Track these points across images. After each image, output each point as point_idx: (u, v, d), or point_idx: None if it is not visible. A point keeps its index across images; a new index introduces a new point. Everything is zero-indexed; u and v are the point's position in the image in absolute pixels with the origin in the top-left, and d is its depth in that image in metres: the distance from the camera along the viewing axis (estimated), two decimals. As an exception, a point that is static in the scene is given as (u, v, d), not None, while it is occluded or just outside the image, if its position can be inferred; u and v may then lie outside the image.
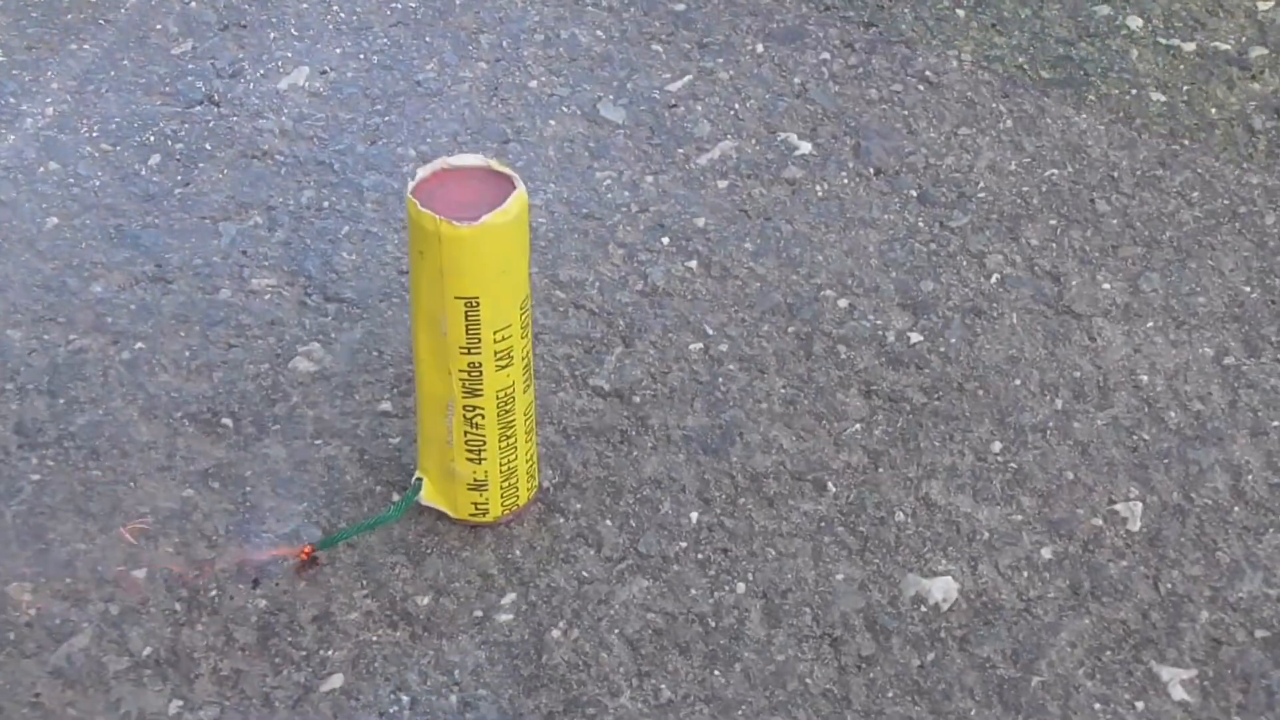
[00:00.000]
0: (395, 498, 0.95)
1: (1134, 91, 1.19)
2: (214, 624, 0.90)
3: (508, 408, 0.90)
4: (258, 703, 0.90)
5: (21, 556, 0.90)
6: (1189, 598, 0.85)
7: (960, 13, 1.22)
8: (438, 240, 0.86)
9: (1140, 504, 0.92)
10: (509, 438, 0.91)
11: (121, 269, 1.07)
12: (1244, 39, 1.22)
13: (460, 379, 0.90)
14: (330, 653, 0.89)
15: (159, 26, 1.22)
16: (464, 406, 0.91)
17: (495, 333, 0.89)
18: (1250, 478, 0.91)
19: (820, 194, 1.07)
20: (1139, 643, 0.83)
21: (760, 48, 1.19)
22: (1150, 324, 0.99)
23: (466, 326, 0.88)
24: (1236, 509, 0.90)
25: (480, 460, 0.92)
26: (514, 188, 0.88)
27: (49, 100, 1.14)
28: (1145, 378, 0.96)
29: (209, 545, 0.91)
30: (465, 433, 0.92)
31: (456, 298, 0.88)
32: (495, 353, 0.89)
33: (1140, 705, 0.83)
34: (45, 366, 0.96)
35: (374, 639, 0.88)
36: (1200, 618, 0.84)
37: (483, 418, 0.91)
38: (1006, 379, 0.97)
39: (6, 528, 0.89)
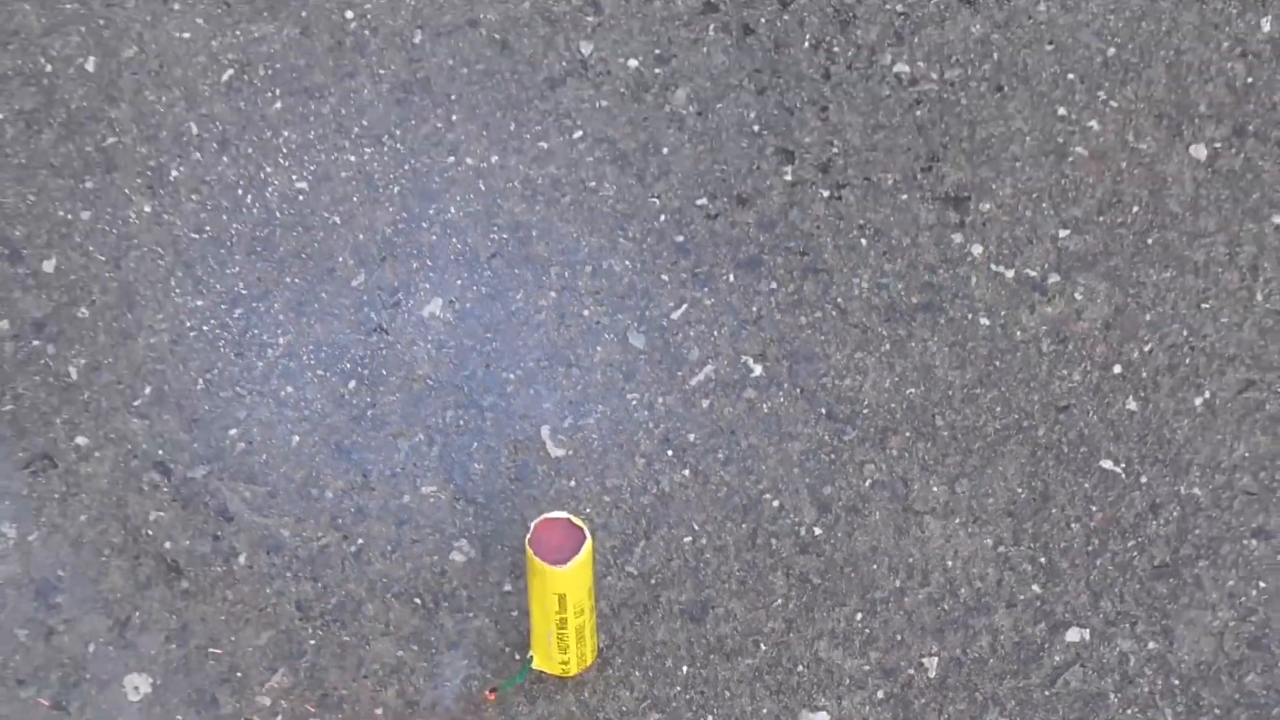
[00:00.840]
0: (518, 656, 1.49)
1: (970, 316, 1.65)
2: None
3: (581, 635, 1.42)
4: None
5: (310, 699, 1.50)
6: None
7: (864, 241, 1.70)
8: (544, 574, 1.36)
9: (936, 659, 1.48)
10: (581, 643, 1.44)
11: (342, 478, 1.58)
12: (1046, 265, 1.69)
13: (554, 623, 1.42)
14: None
15: (340, 259, 1.70)
16: (556, 635, 1.42)
17: (575, 606, 1.41)
18: (1002, 638, 1.48)
19: (765, 411, 1.60)
20: None
21: (731, 277, 1.69)
22: (958, 520, 1.53)
23: (558, 605, 1.39)
24: (992, 661, 1.48)
25: (565, 654, 1.45)
26: (585, 538, 1.38)
27: (279, 330, 1.66)
28: (950, 563, 1.51)
29: (415, 691, 1.49)
30: (557, 643, 1.45)
31: (553, 593, 1.38)
32: (574, 613, 1.41)
33: None
34: (306, 558, 1.54)
35: None
36: None
37: (566, 638, 1.43)
38: (869, 564, 1.52)
39: (301, 680, 1.50)
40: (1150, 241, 1.74)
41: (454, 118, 1.83)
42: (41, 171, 1.79)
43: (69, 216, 1.78)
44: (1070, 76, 1.83)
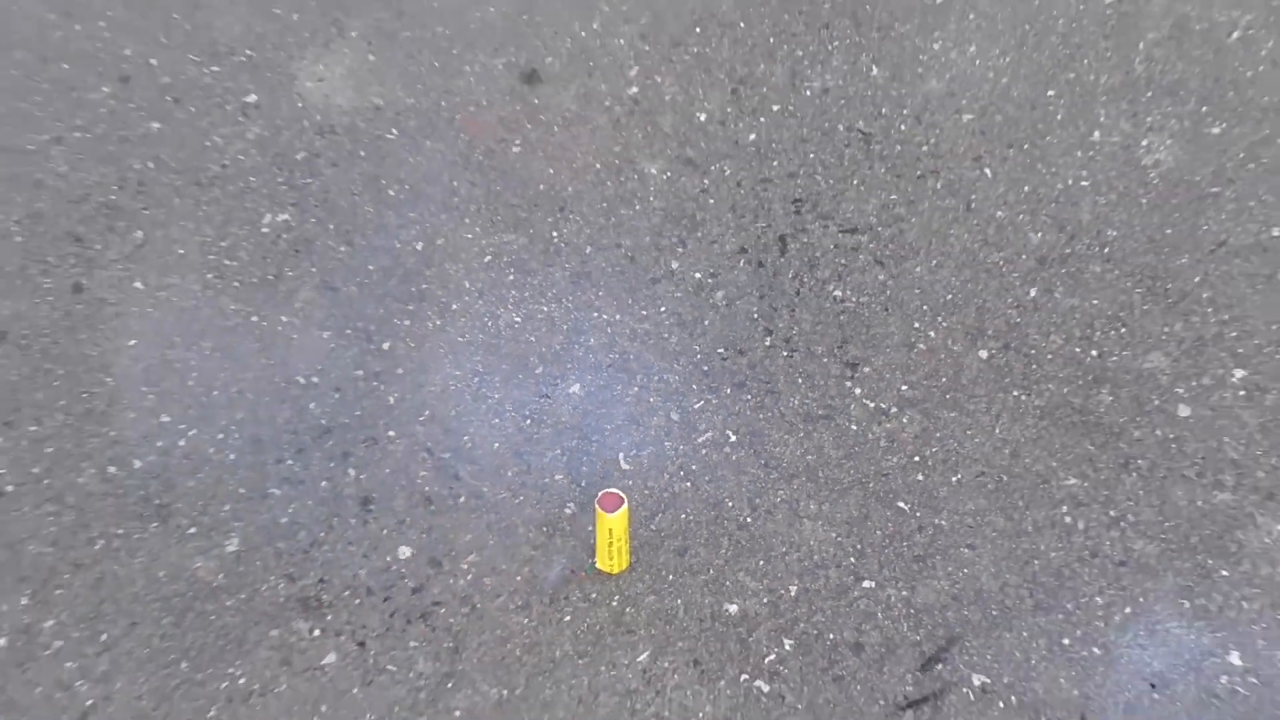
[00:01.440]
0: (590, 560, 2.01)
1: (847, 424, 2.14)
2: (543, 599, 2.06)
3: (620, 552, 1.95)
4: (549, 634, 2.01)
5: (485, 571, 2.31)
6: (791, 651, 2.22)
7: (799, 380, 2.25)
8: (602, 518, 1.88)
9: (795, 587, 2.23)
10: (621, 557, 1.97)
11: (516, 467, 2.12)
12: (891, 402, 2.16)
13: (606, 544, 1.96)
14: (567, 616, 1.99)
15: (530, 359, 2.23)
16: (607, 551, 1.96)
17: (617, 536, 1.94)
18: (830, 581, 2.13)
19: (733, 459, 2.15)
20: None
21: (728, 390, 2.19)
22: (820, 524, 2.14)
23: (609, 536, 1.92)
24: (823, 591, 2.10)
25: (612, 561, 1.99)
26: (624, 502, 1.87)
27: (494, 391, 2.20)
28: (811, 543, 2.12)
29: (536, 574, 2.05)
30: (608, 555, 1.98)
31: (606, 528, 1.91)
32: (617, 539, 1.93)
33: (758, 683, 2.22)
34: (494, 503, 2.22)
35: (581, 610, 2.05)
36: (791, 660, 2.22)
37: (613, 553, 1.98)
38: (772, 539, 2.08)
39: (482, 560, 2.32)
40: (948, 397, 2.26)
41: (600, 293, 2.39)
42: (393, 303, 2.39)
43: (399, 323, 2.36)
44: (925, 307, 2.36)
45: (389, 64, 2.70)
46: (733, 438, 2.25)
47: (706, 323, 2.37)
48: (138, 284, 2.45)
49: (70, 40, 2.75)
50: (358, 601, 2.10)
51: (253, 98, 2.67)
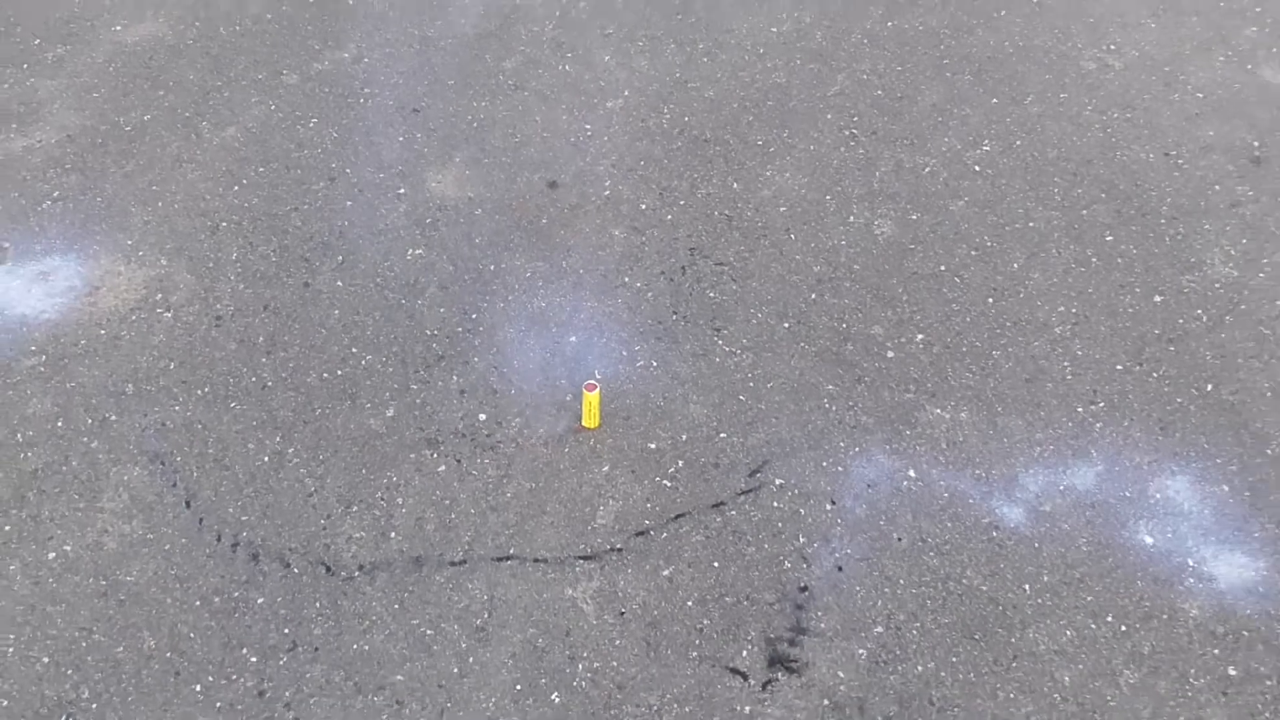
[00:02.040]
0: (580, 421, 2.56)
1: (716, 359, 2.90)
2: (554, 440, 2.54)
3: (595, 414, 2.13)
4: (556, 458, 2.31)
5: (538, 431, 2.75)
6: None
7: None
8: (587, 396, 2.08)
9: (682, 462, 2.71)
10: (595, 418, 2.15)
11: (536, 378, 2.78)
12: (738, 349, 2.91)
13: (587, 411, 2.19)
14: (566, 449, 2.39)
15: (550, 323, 2.60)
16: (587, 413, 2.19)
17: (595, 405, 2.21)
18: (727, 454, 2.70)
19: (674, 375, 2.84)
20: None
21: (655, 364, 2.94)
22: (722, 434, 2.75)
23: (589, 405, 2.16)
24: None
25: (590, 421, 2.12)
26: (597, 388, 2.12)
27: (541, 345, 2.92)
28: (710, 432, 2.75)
29: (551, 429, 2.62)
30: (588, 415, 2.14)
31: (588, 402, 2.18)
32: (595, 406, 2.21)
33: (665, 481, 2.67)
34: (534, 401, 2.81)
35: (574, 446, 2.49)
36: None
37: (591, 415, 2.23)
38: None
39: (524, 424, 2.75)
40: (768, 346, 2.50)
41: (586, 294, 2.58)
42: (477, 295, 2.66)
43: (481, 304, 2.56)
44: (757, 301, 2.58)
45: (478, 175, 2.97)
46: (655, 364, 2.40)
47: (642, 308, 2.50)
48: (339, 283, 2.74)
49: (299, 154, 3.06)
50: (457, 440, 2.32)
51: (402, 190, 2.93)
